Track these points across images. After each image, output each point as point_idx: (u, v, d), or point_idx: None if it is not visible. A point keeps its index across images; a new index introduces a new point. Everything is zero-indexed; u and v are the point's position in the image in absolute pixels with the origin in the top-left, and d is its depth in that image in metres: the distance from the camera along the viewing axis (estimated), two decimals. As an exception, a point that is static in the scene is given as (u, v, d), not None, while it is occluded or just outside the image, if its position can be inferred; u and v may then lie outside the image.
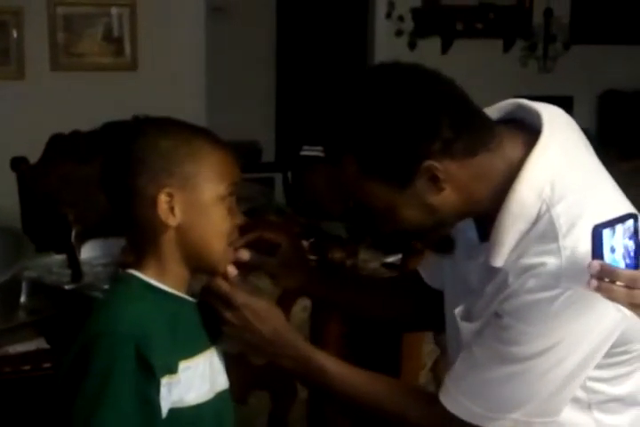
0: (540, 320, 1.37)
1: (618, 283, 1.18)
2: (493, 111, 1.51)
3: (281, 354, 1.57)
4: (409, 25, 5.85)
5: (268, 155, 6.15)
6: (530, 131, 1.44)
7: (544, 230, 1.38)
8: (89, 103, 5.05)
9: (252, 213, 2.68)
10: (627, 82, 6.19)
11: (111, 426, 1.33)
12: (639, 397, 1.49)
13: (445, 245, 1.54)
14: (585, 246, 1.28)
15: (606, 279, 1.18)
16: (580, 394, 1.44)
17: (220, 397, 1.51)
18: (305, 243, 2.28)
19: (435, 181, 1.40)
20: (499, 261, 1.42)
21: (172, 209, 1.42)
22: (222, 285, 1.50)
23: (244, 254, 1.59)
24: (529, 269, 1.37)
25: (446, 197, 1.42)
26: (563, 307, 1.34)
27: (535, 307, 1.36)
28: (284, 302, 1.95)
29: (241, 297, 1.51)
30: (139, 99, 4.88)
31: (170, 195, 1.41)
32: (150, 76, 5.34)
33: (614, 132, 6.17)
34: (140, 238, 1.46)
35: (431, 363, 2.44)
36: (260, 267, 1.71)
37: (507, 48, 6.11)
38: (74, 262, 2.60)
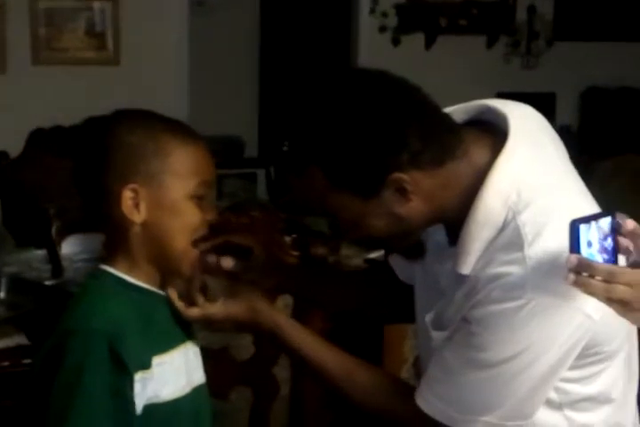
0: (506, 329, 1.36)
1: (596, 277, 1.18)
2: (461, 113, 1.49)
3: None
4: (392, 21, 5.84)
5: (251, 150, 6.14)
6: (497, 134, 1.43)
7: (510, 239, 1.37)
8: (71, 98, 5.02)
9: (234, 208, 2.67)
10: (609, 79, 6.20)
11: (85, 420, 1.33)
12: (611, 394, 1.48)
13: (416, 251, 1.54)
14: (550, 256, 1.30)
15: (584, 273, 1.18)
16: (551, 394, 1.44)
17: (197, 392, 1.51)
18: (287, 239, 2.27)
19: (402, 192, 1.39)
20: (465, 269, 1.41)
21: (136, 205, 1.41)
22: (186, 312, 1.51)
23: (228, 262, 1.59)
24: (495, 278, 1.37)
25: (414, 207, 1.41)
26: (528, 316, 1.34)
27: (501, 316, 1.36)
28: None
29: (194, 314, 1.52)
30: (121, 93, 4.87)
31: (134, 191, 1.40)
32: (133, 70, 5.31)
33: (597, 129, 6.19)
34: (111, 235, 1.46)
35: (413, 358, 2.44)
36: (240, 273, 1.68)
37: (490, 44, 6.11)
38: (54, 258, 2.59)
